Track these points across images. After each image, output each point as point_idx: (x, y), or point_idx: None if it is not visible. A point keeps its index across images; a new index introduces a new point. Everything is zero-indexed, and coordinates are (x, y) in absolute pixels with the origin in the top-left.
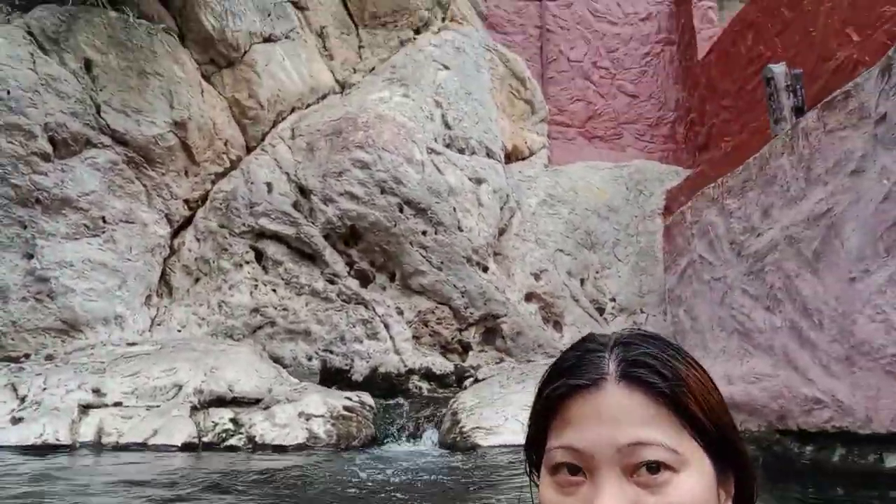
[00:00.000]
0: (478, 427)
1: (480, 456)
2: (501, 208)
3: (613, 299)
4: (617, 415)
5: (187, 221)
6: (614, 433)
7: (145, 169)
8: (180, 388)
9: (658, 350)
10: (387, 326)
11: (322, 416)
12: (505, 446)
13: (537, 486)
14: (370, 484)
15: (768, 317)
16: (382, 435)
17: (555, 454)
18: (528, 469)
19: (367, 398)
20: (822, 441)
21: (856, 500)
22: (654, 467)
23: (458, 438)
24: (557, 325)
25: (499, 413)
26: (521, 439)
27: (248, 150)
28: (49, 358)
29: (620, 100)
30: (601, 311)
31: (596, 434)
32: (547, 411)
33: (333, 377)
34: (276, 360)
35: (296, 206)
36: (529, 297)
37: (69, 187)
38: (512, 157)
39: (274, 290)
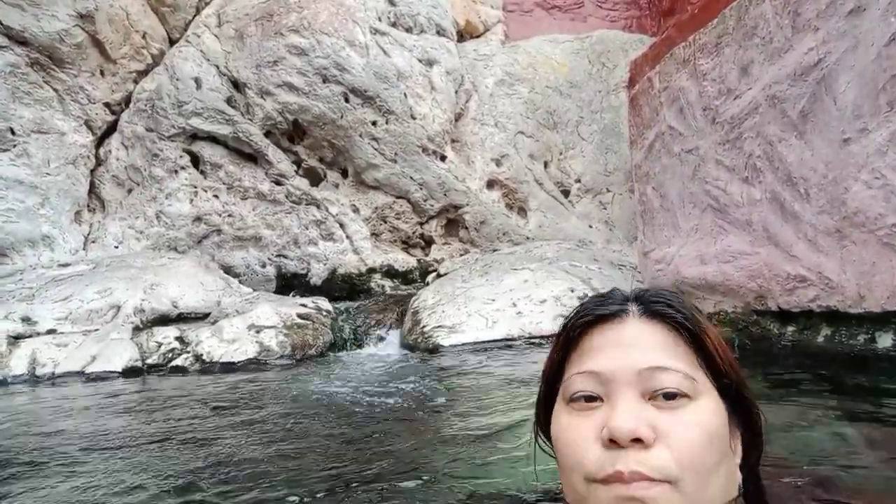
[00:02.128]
0: (439, 326)
1: (442, 357)
2: (456, 91)
3: (579, 180)
4: (638, 342)
5: (112, 127)
6: (635, 357)
7: (53, 71)
8: (118, 308)
9: (679, 299)
10: (342, 226)
11: (274, 326)
12: (467, 344)
13: (543, 450)
14: (320, 397)
15: (746, 189)
16: (342, 340)
17: (574, 380)
18: (535, 430)
19: (324, 303)
20: (806, 321)
21: (843, 383)
22: (671, 395)
23: (419, 339)
24: (522, 212)
25: (461, 310)
26: (484, 335)
27: (171, 42)
28: None
29: None
30: (566, 193)
31: (617, 358)
32: (567, 344)
33: (290, 283)
34: (228, 269)
35: (230, 101)
36: (491, 184)
37: None
38: (465, 34)
39: (216, 196)
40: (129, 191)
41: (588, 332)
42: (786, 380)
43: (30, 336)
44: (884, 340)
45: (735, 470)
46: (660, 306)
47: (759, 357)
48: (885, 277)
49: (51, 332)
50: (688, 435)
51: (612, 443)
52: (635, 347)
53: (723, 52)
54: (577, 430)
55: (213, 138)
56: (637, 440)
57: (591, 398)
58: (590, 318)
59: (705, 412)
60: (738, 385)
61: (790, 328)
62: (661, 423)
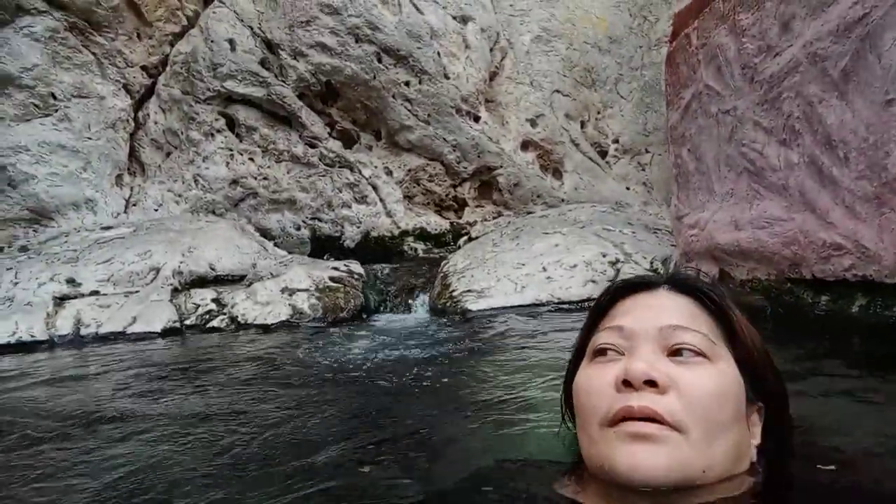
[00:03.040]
0: (468, 290)
1: (470, 322)
2: (491, 49)
3: (616, 140)
4: (664, 306)
5: (149, 91)
6: (659, 316)
7: (91, 35)
8: (158, 271)
9: (710, 280)
10: (375, 188)
11: (307, 289)
12: (496, 309)
13: (566, 424)
14: (346, 361)
15: (783, 152)
16: (373, 304)
17: (600, 335)
18: (562, 408)
19: (356, 266)
20: (840, 291)
21: (876, 354)
22: (689, 352)
23: (448, 303)
24: (557, 174)
25: (490, 274)
26: (513, 300)
27: (206, 3)
28: (23, 249)
29: None
30: (603, 154)
31: (642, 317)
32: (599, 311)
33: (325, 245)
34: (264, 232)
35: (263, 63)
36: (526, 145)
37: (7, 62)
38: None
39: (251, 159)
40: (168, 154)
41: (621, 300)
42: (817, 350)
43: (75, 297)
44: None
45: (747, 446)
46: (689, 282)
47: (791, 326)
48: None
49: (94, 293)
50: (701, 387)
51: (626, 385)
52: (661, 309)
53: (764, 6)
54: (595, 378)
55: (247, 101)
56: (651, 384)
57: (613, 351)
58: (621, 285)
59: (721, 374)
60: (761, 364)
61: (824, 297)
62: (675, 375)
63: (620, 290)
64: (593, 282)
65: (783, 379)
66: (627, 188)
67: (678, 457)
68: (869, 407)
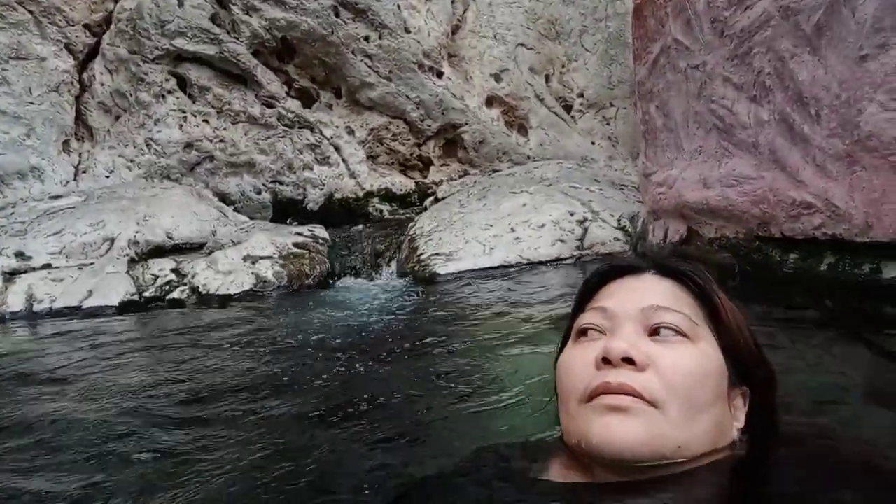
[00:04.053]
0: (436, 254)
1: (439, 285)
2: (453, 2)
3: (581, 94)
4: (648, 289)
5: (94, 51)
6: (642, 297)
7: None
8: (112, 241)
9: (697, 267)
10: (337, 149)
11: (270, 257)
12: (465, 272)
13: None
14: (312, 332)
15: (754, 109)
16: (339, 269)
17: (583, 316)
18: (555, 391)
19: (321, 231)
20: (809, 249)
21: (846, 313)
22: (670, 331)
23: (416, 267)
24: (522, 130)
25: (458, 236)
26: (482, 262)
27: None
28: None
29: None
30: (568, 108)
31: (625, 298)
32: (586, 294)
33: (287, 209)
34: (224, 197)
35: (214, 19)
36: (490, 101)
37: None
38: None
39: (206, 121)
40: (117, 117)
41: (607, 284)
42: (786, 308)
43: (25, 271)
44: (889, 271)
45: (729, 427)
46: (674, 266)
47: (759, 284)
48: (894, 206)
49: (46, 266)
50: (681, 365)
51: (605, 363)
52: (644, 291)
53: None
54: (576, 358)
55: (199, 59)
56: (629, 361)
57: (595, 331)
58: (607, 269)
59: (702, 354)
60: (745, 348)
61: (793, 255)
62: (654, 353)
63: (607, 274)
64: (562, 241)
65: (770, 363)
66: (593, 143)
67: (653, 430)
68: (835, 370)
